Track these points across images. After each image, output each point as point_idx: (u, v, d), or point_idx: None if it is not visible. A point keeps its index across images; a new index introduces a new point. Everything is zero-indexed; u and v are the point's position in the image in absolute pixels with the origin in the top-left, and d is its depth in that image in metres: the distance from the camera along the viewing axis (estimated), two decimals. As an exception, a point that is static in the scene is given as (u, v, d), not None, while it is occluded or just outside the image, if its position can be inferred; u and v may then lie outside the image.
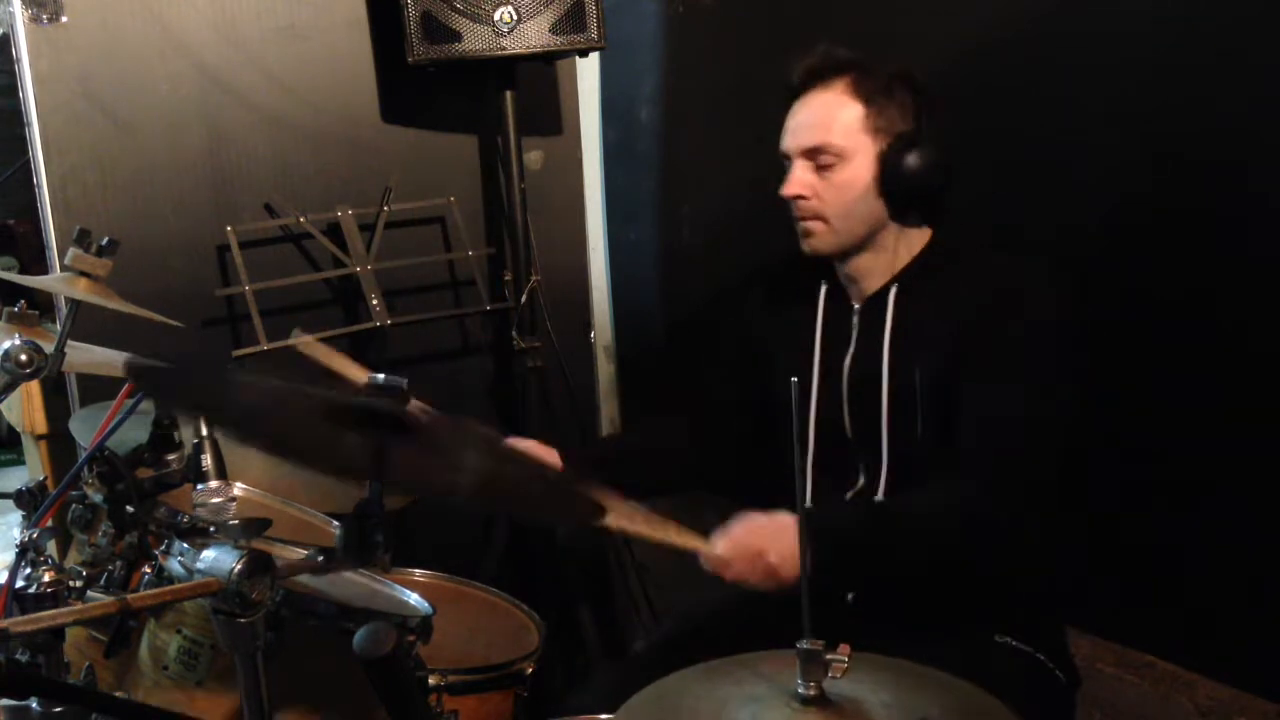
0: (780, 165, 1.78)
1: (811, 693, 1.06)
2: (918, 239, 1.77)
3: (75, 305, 1.66)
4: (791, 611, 1.14)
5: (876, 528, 1.66)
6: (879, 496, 1.73)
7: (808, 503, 1.82)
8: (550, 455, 1.99)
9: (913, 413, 1.71)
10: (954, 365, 1.67)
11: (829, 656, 1.07)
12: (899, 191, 1.70)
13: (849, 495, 1.79)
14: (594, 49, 2.50)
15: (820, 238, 1.76)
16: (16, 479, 3.52)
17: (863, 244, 1.76)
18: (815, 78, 1.74)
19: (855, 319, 1.79)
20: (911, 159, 1.68)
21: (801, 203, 1.75)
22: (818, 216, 1.75)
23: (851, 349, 1.79)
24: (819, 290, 1.83)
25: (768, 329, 1.93)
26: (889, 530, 1.65)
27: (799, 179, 1.74)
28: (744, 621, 1.76)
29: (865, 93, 1.70)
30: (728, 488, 2.84)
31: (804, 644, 1.06)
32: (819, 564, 1.53)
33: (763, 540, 1.57)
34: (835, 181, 1.72)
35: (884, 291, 1.76)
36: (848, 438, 1.79)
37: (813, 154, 1.73)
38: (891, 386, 1.72)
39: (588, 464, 2.07)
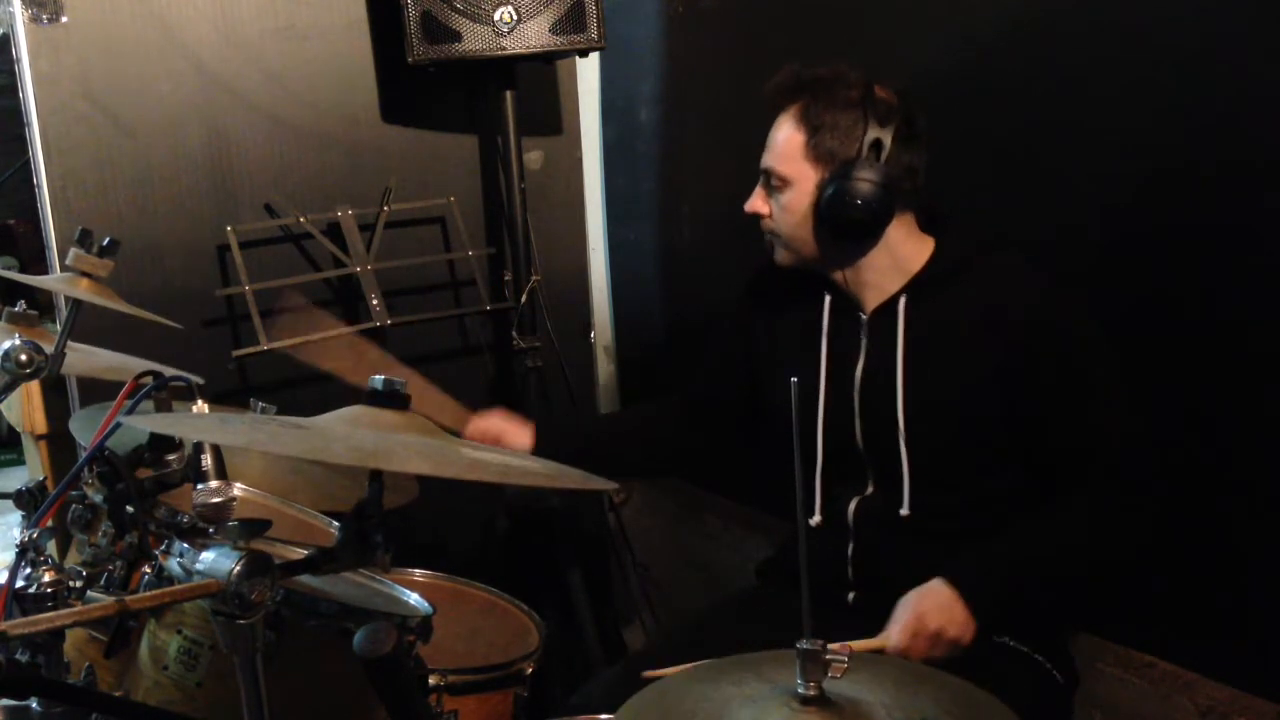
0: None
1: (811, 693, 1.06)
2: (923, 248, 1.78)
3: (76, 305, 1.66)
4: (791, 612, 1.14)
5: (1040, 566, 1.67)
6: (903, 507, 1.73)
7: (816, 511, 1.83)
8: (523, 432, 2.00)
9: (935, 421, 1.71)
10: (985, 374, 1.68)
11: (829, 656, 1.07)
12: (832, 221, 1.72)
13: (856, 502, 1.79)
14: (594, 49, 2.50)
15: (779, 253, 1.84)
16: (16, 479, 3.52)
17: (839, 260, 1.78)
18: (777, 98, 1.78)
19: (864, 328, 1.79)
20: (845, 189, 1.69)
21: (761, 220, 1.82)
22: (773, 234, 1.82)
23: (862, 358, 1.79)
24: (823, 298, 1.83)
25: (770, 335, 1.93)
26: (1052, 564, 1.67)
27: (754, 197, 1.82)
28: (744, 622, 1.76)
29: (811, 120, 1.73)
30: (726, 488, 2.86)
31: (804, 644, 1.06)
32: (998, 614, 1.61)
33: (936, 619, 1.58)
34: (782, 204, 1.78)
35: (893, 301, 1.76)
36: (858, 447, 1.79)
37: (766, 176, 1.79)
38: (908, 396, 1.72)
39: (565, 443, 2.09)
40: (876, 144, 1.69)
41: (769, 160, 1.78)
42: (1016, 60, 2.02)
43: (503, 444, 2.00)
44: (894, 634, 1.58)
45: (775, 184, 1.78)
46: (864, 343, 1.79)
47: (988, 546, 1.66)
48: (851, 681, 1.08)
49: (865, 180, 1.68)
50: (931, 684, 1.14)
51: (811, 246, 1.78)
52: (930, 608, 1.58)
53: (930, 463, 1.72)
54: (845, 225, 1.72)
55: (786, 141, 1.75)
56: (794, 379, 1.17)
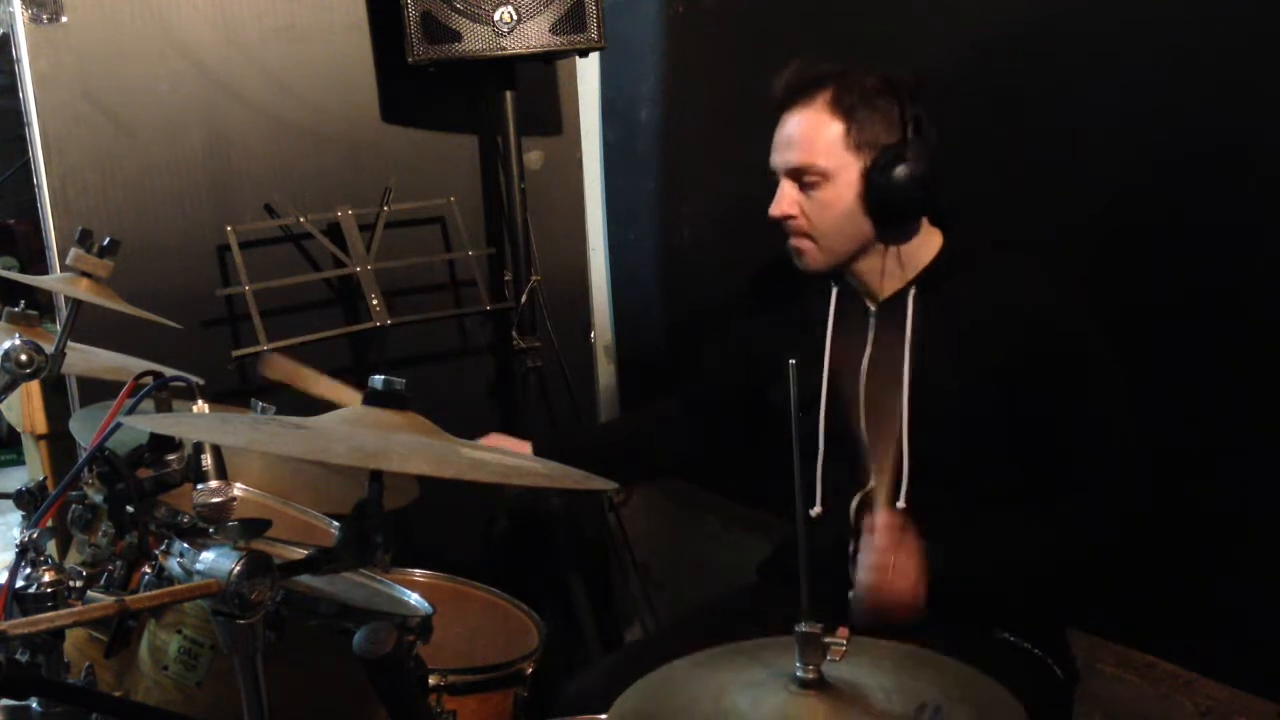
0: (775, 177, 1.78)
1: (810, 676, 1.06)
2: (931, 242, 1.77)
3: (76, 305, 1.66)
4: (791, 607, 1.14)
5: (1018, 552, 1.68)
6: (901, 499, 1.73)
7: (817, 503, 1.83)
8: (520, 448, 2.00)
9: (937, 416, 1.71)
10: (987, 370, 1.68)
11: (827, 640, 1.07)
12: (885, 208, 1.70)
13: (859, 496, 1.79)
14: (594, 49, 2.50)
15: (810, 256, 1.77)
16: (16, 479, 3.53)
17: (864, 252, 1.76)
18: (796, 93, 1.73)
19: (872, 321, 1.79)
20: (896, 174, 1.66)
21: (790, 222, 1.75)
22: (806, 235, 1.75)
23: (868, 351, 1.78)
24: (830, 292, 1.83)
25: (773, 330, 1.92)
26: (1019, 554, 1.68)
27: (786, 198, 1.74)
28: (743, 617, 1.76)
29: (846, 107, 1.69)
30: (726, 488, 2.86)
31: (802, 627, 1.06)
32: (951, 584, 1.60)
33: (897, 580, 1.59)
34: (820, 200, 1.72)
35: (902, 295, 1.75)
36: (861, 439, 1.79)
37: (797, 174, 1.73)
38: (913, 390, 1.71)
39: (564, 454, 2.09)
40: (917, 120, 1.68)
41: (800, 157, 1.72)
42: (1017, 60, 2.02)
43: None
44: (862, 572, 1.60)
45: (809, 181, 1.72)
46: (871, 334, 1.78)
47: (962, 533, 1.67)
48: (850, 665, 1.08)
49: (919, 161, 1.66)
50: (931, 668, 1.14)
51: (854, 241, 1.74)
52: (894, 564, 1.59)
53: (931, 457, 1.72)
54: (906, 208, 1.69)
55: (822, 134, 1.70)
56: (791, 361, 1.16)
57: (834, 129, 1.69)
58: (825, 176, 1.70)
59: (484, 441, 2.05)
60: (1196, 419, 1.82)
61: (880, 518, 1.61)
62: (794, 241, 1.77)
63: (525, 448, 2.03)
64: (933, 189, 1.68)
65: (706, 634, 1.53)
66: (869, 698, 1.05)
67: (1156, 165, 1.84)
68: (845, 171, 1.70)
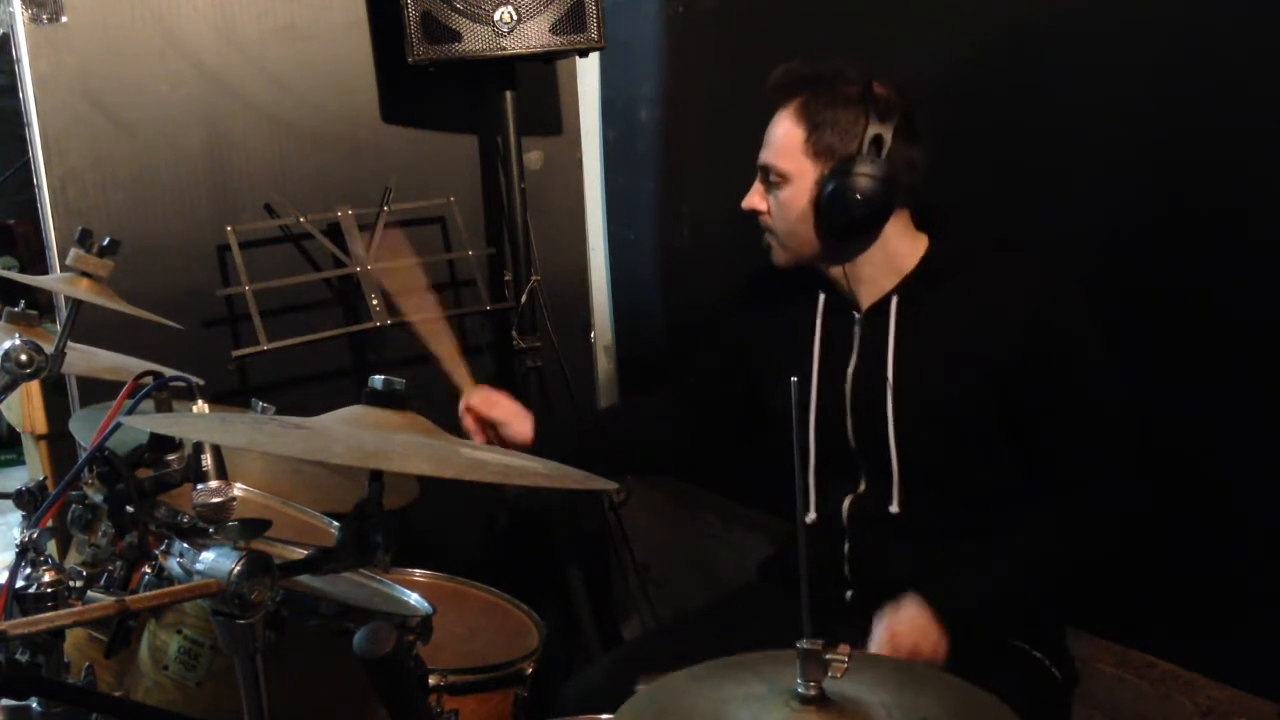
0: None
1: (811, 692, 1.06)
2: (916, 246, 1.77)
3: (76, 305, 1.67)
4: (790, 610, 1.14)
5: (1016, 581, 1.67)
6: (893, 504, 1.73)
7: (810, 508, 1.83)
8: (524, 420, 2.00)
9: (924, 419, 1.71)
10: (977, 372, 1.68)
11: (829, 656, 1.07)
12: (830, 217, 1.71)
13: (849, 500, 1.79)
14: (594, 49, 2.50)
15: (775, 252, 1.83)
16: (16, 479, 3.52)
17: (829, 259, 1.77)
18: (778, 93, 1.77)
19: (857, 328, 1.79)
20: (845, 185, 1.68)
21: (759, 217, 1.81)
22: (770, 231, 1.81)
23: (854, 358, 1.79)
24: (818, 298, 1.83)
25: (764, 335, 1.93)
26: (1028, 578, 1.68)
27: (755, 193, 1.81)
28: (742, 620, 1.76)
29: (811, 115, 1.72)
30: (726, 488, 2.86)
31: (803, 643, 1.06)
32: (972, 630, 1.60)
33: (910, 638, 1.59)
34: (780, 200, 1.77)
35: (885, 301, 1.76)
36: (850, 446, 1.79)
37: (765, 171, 1.78)
38: (898, 396, 1.72)
39: (564, 435, 2.09)
40: (877, 140, 1.68)
41: (767, 156, 1.77)
42: (1015, 59, 2.03)
43: (503, 426, 2.02)
44: (869, 651, 1.59)
45: (774, 180, 1.76)
46: (857, 341, 1.79)
47: (964, 563, 1.66)
48: (852, 681, 1.08)
49: (865, 176, 1.67)
50: (933, 685, 1.14)
51: (809, 244, 1.77)
52: (905, 628, 1.59)
53: (920, 461, 1.72)
54: (845, 221, 1.71)
55: (785, 137, 1.74)
56: (794, 379, 1.17)
57: (796, 134, 1.73)
58: (785, 179, 1.75)
59: (494, 394, 2.06)
60: (1195, 419, 1.82)
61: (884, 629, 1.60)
62: (765, 236, 1.83)
63: (526, 421, 2.02)
64: (884, 200, 1.69)
65: (708, 636, 1.53)
66: (870, 714, 1.05)
67: (1156, 165, 1.84)
68: (803, 177, 1.73)
